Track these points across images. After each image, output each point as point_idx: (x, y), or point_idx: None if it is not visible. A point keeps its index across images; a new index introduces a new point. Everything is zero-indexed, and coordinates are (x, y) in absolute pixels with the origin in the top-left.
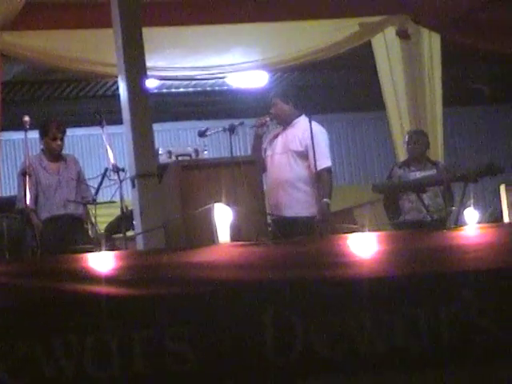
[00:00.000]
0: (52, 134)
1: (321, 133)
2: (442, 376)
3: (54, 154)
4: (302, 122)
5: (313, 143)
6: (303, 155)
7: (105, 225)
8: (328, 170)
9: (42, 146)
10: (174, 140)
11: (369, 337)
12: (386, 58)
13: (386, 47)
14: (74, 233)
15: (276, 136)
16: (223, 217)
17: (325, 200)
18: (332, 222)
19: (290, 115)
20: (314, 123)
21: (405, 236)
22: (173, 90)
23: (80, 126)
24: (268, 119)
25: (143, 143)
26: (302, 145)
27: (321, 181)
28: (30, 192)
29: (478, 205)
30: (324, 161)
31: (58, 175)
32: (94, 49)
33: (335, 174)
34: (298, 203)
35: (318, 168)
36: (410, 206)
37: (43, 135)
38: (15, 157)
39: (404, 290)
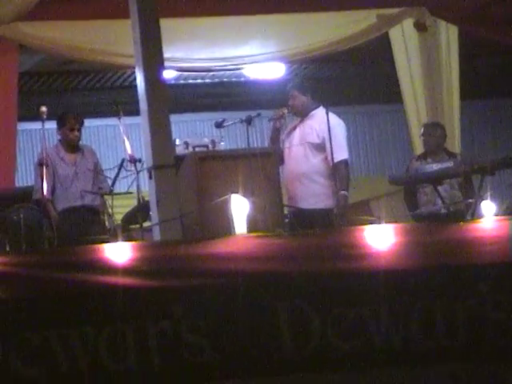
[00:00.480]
0: (69, 125)
1: (338, 125)
2: (458, 370)
3: (71, 144)
4: (320, 113)
5: (330, 135)
6: (320, 147)
7: (121, 216)
8: (345, 162)
9: (59, 137)
10: (190, 131)
11: (385, 329)
12: (404, 49)
13: (404, 39)
14: (91, 224)
15: (294, 128)
16: (240, 208)
17: (343, 192)
18: (349, 214)
19: (307, 107)
20: (331, 115)
21: (421, 228)
22: (190, 81)
23: (97, 116)
24: (285, 111)
25: (160, 134)
26: (319, 137)
27: (338, 173)
28: (46, 183)
29: (495, 197)
30: (341, 153)
31: (75, 166)
32: (111, 40)
33: (352, 166)
34: (315, 195)
35: (335, 160)
36: (425, 198)
37: (61, 126)
38: (32, 147)
39: (420, 283)
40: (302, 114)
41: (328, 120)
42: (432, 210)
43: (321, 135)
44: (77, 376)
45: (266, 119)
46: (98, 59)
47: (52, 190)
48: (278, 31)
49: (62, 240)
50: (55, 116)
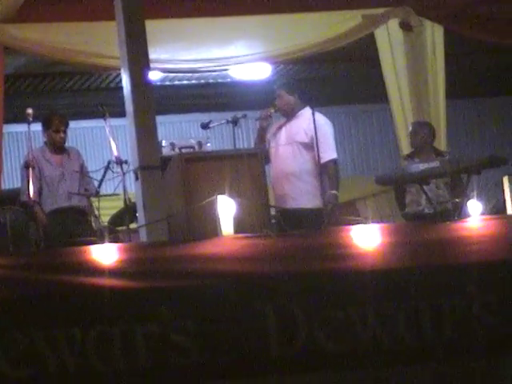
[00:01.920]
0: (55, 127)
1: (326, 124)
2: (444, 370)
3: (57, 146)
4: (307, 113)
5: (316, 135)
6: (309, 146)
7: (108, 217)
8: (334, 161)
9: (44, 139)
10: (177, 132)
11: (372, 330)
12: (389, 49)
13: (389, 39)
14: (78, 225)
15: (280, 127)
16: (226, 209)
17: (333, 192)
18: (337, 213)
19: (294, 107)
20: (319, 115)
21: (408, 228)
22: (176, 83)
23: (83, 118)
24: (272, 111)
25: (146, 135)
26: (307, 136)
27: (327, 173)
28: (33, 185)
29: (481, 197)
30: (330, 152)
31: (62, 168)
32: (96, 41)
33: (339, 166)
34: (303, 195)
35: (324, 160)
36: (410, 198)
37: (46, 128)
38: (18, 149)
39: (407, 283)
40: (289, 114)
41: (314, 119)
42: (417, 210)
43: (309, 134)
44: (64, 377)
45: (252, 120)
46: (83, 61)
47: (39, 192)
48: (263, 32)
49: (50, 241)
50: (41, 118)
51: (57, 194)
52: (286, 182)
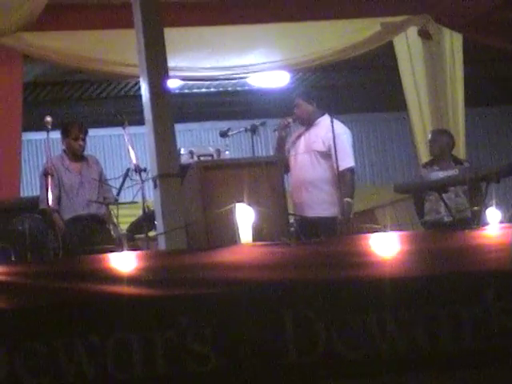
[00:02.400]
0: (74, 135)
1: (344, 133)
2: (464, 377)
3: (76, 154)
4: (325, 121)
5: (335, 143)
6: (326, 155)
7: (127, 225)
8: (351, 170)
9: (63, 147)
10: (195, 140)
11: (390, 337)
12: (408, 57)
13: (408, 47)
14: (97, 233)
15: (299, 136)
16: (245, 217)
17: (347, 200)
18: (354, 222)
19: (312, 115)
20: (337, 123)
21: (427, 236)
22: (194, 91)
23: (102, 126)
24: (291, 120)
25: (165, 143)
26: (325, 145)
27: (343, 181)
28: (52, 192)
29: (500, 205)
30: (347, 161)
31: (80, 175)
32: (115, 49)
33: (357, 175)
34: (320, 203)
35: (342, 168)
36: (429, 206)
37: (65, 136)
38: (37, 157)
39: (425, 291)
40: (308, 123)
41: (333, 128)
42: (436, 218)
43: (327, 143)
44: None
45: (271, 128)
46: (102, 69)
47: (58, 200)
48: (282, 40)
49: (68, 249)
50: (60, 126)
51: (75, 201)
52: (304, 190)
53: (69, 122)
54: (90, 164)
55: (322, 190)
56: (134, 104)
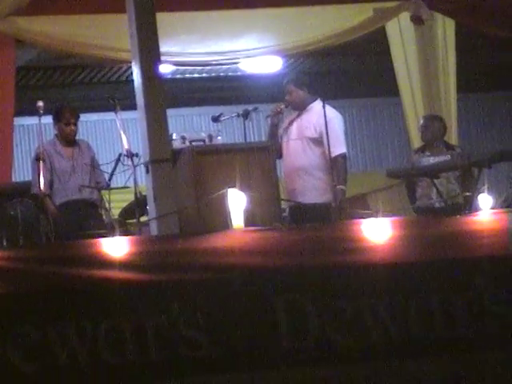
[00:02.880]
0: (66, 120)
1: (336, 118)
2: (457, 362)
3: (67, 139)
4: (317, 107)
5: (327, 129)
6: (318, 141)
7: (119, 210)
8: (343, 156)
9: (55, 132)
10: (187, 125)
11: (383, 323)
12: (400, 43)
13: (400, 33)
14: (89, 218)
15: (291, 122)
16: (237, 202)
17: (340, 187)
18: (346, 208)
19: (304, 101)
20: (329, 108)
21: (418, 222)
22: (187, 76)
23: (94, 111)
24: (283, 107)
25: (157, 128)
26: (316, 131)
27: (336, 167)
28: (44, 177)
29: (492, 190)
30: (339, 147)
31: (72, 160)
32: (107, 34)
33: (349, 160)
34: (313, 190)
35: (333, 154)
36: (421, 192)
37: (57, 120)
38: (29, 142)
39: (418, 277)
40: (300, 108)
41: (325, 113)
42: (427, 204)
43: (318, 129)
44: (75, 370)
45: (263, 113)
46: (94, 54)
47: (50, 185)
48: (274, 25)
49: (60, 234)
50: (52, 111)
51: (67, 186)
52: (296, 177)
53: (60, 106)
54: (82, 149)
55: (315, 176)
56: (126, 89)
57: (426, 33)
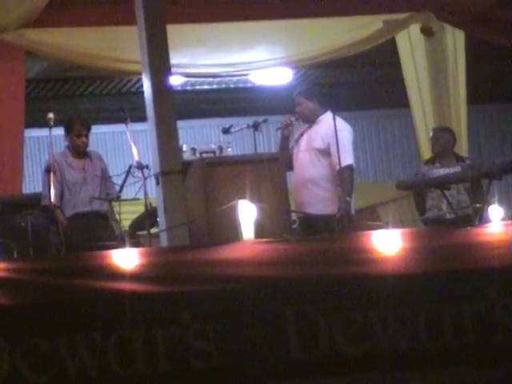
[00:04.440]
0: (77, 131)
1: (344, 130)
2: (466, 374)
3: (79, 150)
4: (326, 118)
5: (337, 140)
6: (325, 153)
7: (129, 222)
8: (350, 167)
9: (66, 143)
10: (198, 137)
11: (392, 334)
12: (410, 54)
13: (410, 44)
14: (99, 229)
15: (301, 134)
16: (247, 214)
17: (346, 198)
18: (355, 220)
19: (314, 113)
20: (338, 119)
21: (429, 233)
22: (197, 87)
23: (104, 123)
24: (293, 119)
25: (167, 140)
26: (324, 142)
27: (342, 178)
28: (54, 189)
29: (503, 202)
30: (346, 158)
31: (83, 172)
32: (117, 46)
33: (359, 171)
34: (321, 201)
35: (341, 165)
36: (431, 203)
37: (68, 132)
38: (39, 154)
39: (428, 288)
40: (310, 120)
41: (335, 124)
42: (438, 215)
43: (326, 140)
44: (85, 382)
45: (273, 125)
46: (104, 65)
47: (60, 196)
48: (284, 37)
49: (71, 246)
50: (62, 122)
51: (78, 198)
52: (304, 188)
53: (72, 118)
54: (93, 160)
55: (322, 187)
56: (136, 100)
57: (436, 44)
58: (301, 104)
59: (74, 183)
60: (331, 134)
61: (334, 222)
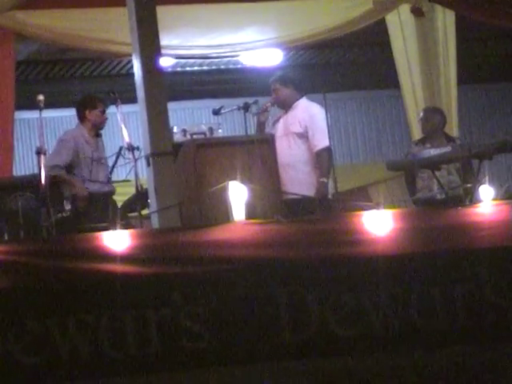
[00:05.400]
0: (100, 108)
1: (320, 113)
2: (457, 354)
3: (100, 127)
4: (302, 103)
5: (314, 124)
6: (303, 136)
7: (120, 204)
8: (327, 149)
9: (84, 120)
10: (188, 118)
11: (384, 315)
12: (401, 35)
13: (401, 24)
14: (113, 210)
15: (278, 120)
16: (238, 195)
17: (321, 179)
18: (345, 199)
19: (290, 98)
20: (312, 104)
21: (419, 213)
22: (187, 69)
23: None
24: (269, 105)
25: (158, 122)
26: (301, 126)
27: (320, 160)
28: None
29: (493, 182)
30: (323, 141)
31: (98, 151)
32: (107, 27)
33: (350, 153)
34: (300, 184)
35: (318, 148)
36: (422, 184)
37: (91, 108)
38: (30, 136)
39: (419, 268)
40: (286, 106)
41: (328, 113)
42: (429, 196)
43: (303, 124)
44: (77, 364)
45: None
46: (94, 47)
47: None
48: (274, 18)
49: (84, 220)
50: (52, 104)
51: (97, 176)
52: (283, 172)
53: (93, 94)
54: (101, 140)
55: (301, 171)
56: (126, 82)
57: (426, 24)
58: (277, 91)
59: (93, 160)
60: (308, 118)
61: (314, 203)
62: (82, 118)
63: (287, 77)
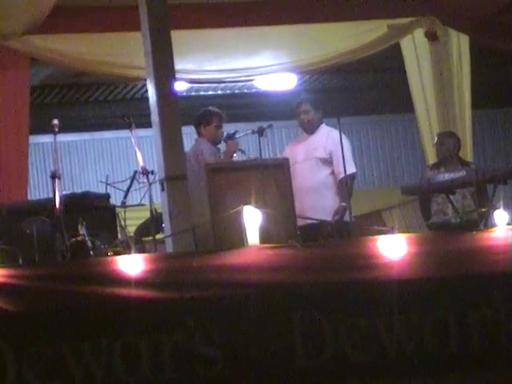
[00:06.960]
0: (216, 123)
1: (344, 139)
2: (471, 379)
3: (216, 143)
4: (324, 128)
5: (342, 152)
6: (327, 162)
7: (134, 228)
8: (353, 175)
9: (198, 137)
10: None
11: (398, 339)
12: (415, 59)
13: (415, 49)
14: None
15: (298, 144)
16: (252, 219)
17: (343, 204)
18: (360, 225)
19: (317, 123)
20: (335, 131)
21: (434, 238)
22: (201, 93)
23: (108, 129)
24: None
25: (172, 146)
26: (326, 151)
27: (345, 187)
28: None
29: (508, 206)
30: (349, 168)
31: None
32: (122, 52)
33: (364, 177)
34: (323, 209)
35: (343, 175)
36: (436, 208)
37: (206, 123)
38: (44, 160)
39: (433, 293)
40: (310, 130)
41: (341, 134)
42: (443, 220)
43: (327, 149)
44: None
45: (278, 130)
46: (109, 71)
47: None
48: (288, 42)
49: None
50: (66, 128)
51: None
52: (306, 197)
53: (209, 110)
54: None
55: (324, 196)
56: (141, 106)
57: (441, 49)
58: (308, 112)
59: None
60: (332, 144)
61: (331, 228)
62: (199, 134)
63: (318, 100)
